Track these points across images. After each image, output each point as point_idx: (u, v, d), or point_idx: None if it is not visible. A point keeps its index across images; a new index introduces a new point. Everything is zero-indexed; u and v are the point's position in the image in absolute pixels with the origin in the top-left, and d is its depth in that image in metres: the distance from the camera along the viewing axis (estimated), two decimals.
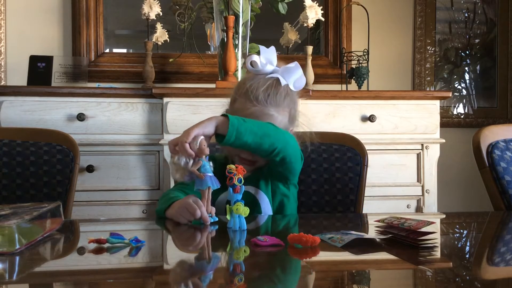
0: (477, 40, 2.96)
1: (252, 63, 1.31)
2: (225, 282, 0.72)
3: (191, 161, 1.13)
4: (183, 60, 2.62)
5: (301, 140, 1.36)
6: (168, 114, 2.13)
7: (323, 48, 2.79)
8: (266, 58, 1.32)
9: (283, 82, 1.30)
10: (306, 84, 2.45)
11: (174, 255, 0.95)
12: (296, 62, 1.32)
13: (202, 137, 1.13)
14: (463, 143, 2.80)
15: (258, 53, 1.34)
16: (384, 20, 2.82)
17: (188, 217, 1.12)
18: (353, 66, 2.62)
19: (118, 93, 2.19)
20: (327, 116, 2.27)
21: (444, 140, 2.33)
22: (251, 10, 2.34)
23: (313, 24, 2.48)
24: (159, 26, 2.56)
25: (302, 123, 1.41)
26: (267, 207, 1.32)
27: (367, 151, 1.57)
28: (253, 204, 1.30)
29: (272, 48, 1.33)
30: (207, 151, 1.13)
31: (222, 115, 1.19)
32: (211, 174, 1.13)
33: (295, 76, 1.32)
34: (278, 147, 1.20)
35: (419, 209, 2.31)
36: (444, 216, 1.47)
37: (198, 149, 1.13)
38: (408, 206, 2.31)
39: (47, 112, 2.13)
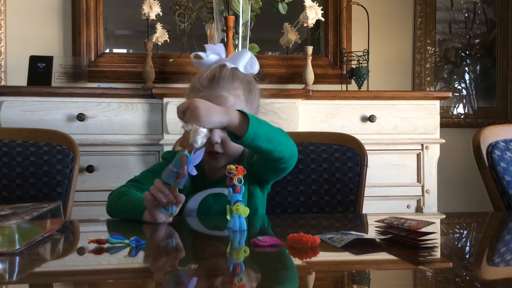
0: (477, 40, 2.96)
1: (196, 57, 1.30)
2: (225, 282, 0.72)
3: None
4: (183, 60, 2.61)
5: None
6: (168, 115, 2.13)
7: (323, 48, 2.79)
8: (211, 50, 1.30)
9: (229, 65, 1.27)
10: (306, 84, 2.47)
11: (173, 255, 0.95)
12: (245, 49, 1.31)
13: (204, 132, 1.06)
14: (463, 143, 2.80)
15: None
16: (384, 20, 2.82)
17: (157, 208, 1.07)
18: (353, 66, 2.62)
19: (118, 93, 2.19)
20: (327, 116, 2.27)
21: (444, 140, 2.33)
22: (251, 10, 2.34)
23: (313, 24, 2.48)
24: (159, 26, 2.56)
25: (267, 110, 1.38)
26: None
27: (367, 151, 1.57)
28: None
29: (220, 44, 1.33)
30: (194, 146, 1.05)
31: (238, 110, 1.11)
32: (178, 169, 1.05)
33: (244, 60, 1.29)
34: (285, 157, 1.18)
35: (419, 209, 2.31)
36: (444, 216, 1.47)
37: (190, 143, 1.05)
38: (408, 206, 2.31)
39: (47, 112, 2.13)
